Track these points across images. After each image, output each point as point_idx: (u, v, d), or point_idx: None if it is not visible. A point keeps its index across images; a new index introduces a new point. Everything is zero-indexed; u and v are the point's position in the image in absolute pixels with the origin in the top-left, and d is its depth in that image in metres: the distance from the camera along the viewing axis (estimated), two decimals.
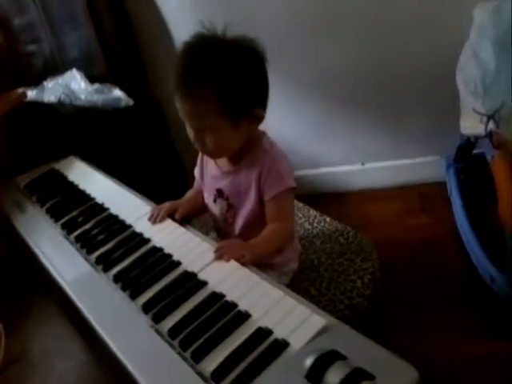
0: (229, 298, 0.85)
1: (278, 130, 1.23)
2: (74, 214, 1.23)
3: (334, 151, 2.09)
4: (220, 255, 0.95)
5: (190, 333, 0.79)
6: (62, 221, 1.22)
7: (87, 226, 1.16)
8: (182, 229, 1.07)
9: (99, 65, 1.88)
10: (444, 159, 1.95)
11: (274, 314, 0.78)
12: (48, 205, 1.31)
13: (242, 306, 0.82)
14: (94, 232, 1.13)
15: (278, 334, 0.74)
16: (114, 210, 1.20)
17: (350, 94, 1.96)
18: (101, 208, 1.23)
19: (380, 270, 1.20)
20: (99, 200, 1.27)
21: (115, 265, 1.00)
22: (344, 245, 1.28)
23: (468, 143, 1.77)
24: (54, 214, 1.25)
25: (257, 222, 1.09)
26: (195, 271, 0.93)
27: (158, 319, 0.84)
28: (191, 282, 0.90)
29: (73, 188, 1.36)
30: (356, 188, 2.10)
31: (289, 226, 1.11)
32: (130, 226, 1.13)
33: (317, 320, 0.75)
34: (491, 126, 1.46)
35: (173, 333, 0.80)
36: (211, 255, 0.96)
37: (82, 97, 1.80)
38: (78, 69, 1.86)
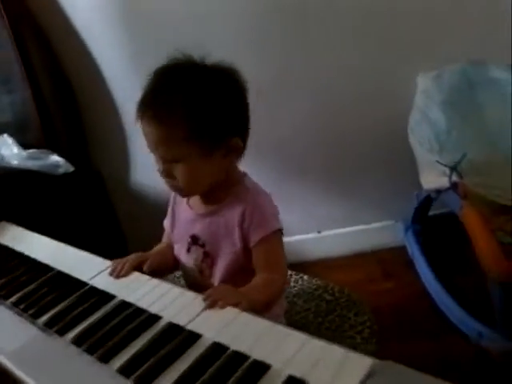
0: (235, 348, 0.67)
1: None
2: (10, 276, 0.99)
3: (289, 220, 1.97)
4: (212, 302, 0.78)
5: None
6: None
7: (29, 288, 0.93)
8: (155, 280, 0.88)
9: (34, 130, 1.72)
10: (401, 222, 1.93)
11: (301, 362, 0.62)
12: None
13: (256, 356, 0.64)
14: (40, 293, 0.90)
15: None
16: (63, 269, 0.98)
17: (304, 161, 1.92)
18: (45, 268, 1.00)
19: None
20: (43, 260, 1.04)
21: (73, 326, 0.78)
22: (331, 301, 1.14)
23: (424, 204, 1.78)
24: None
25: (238, 272, 0.95)
26: (182, 324, 0.74)
27: None
28: (180, 336, 0.71)
29: (6, 251, 1.12)
30: (313, 257, 2.00)
31: (282, 276, 0.95)
32: (86, 284, 0.92)
33: (360, 360, 0.59)
34: (454, 178, 1.46)
35: None
36: (199, 304, 0.78)
37: (15, 162, 1.60)
38: (11, 135, 1.68)
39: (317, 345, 0.64)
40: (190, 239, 0.99)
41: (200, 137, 0.86)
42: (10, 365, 0.72)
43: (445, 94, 1.63)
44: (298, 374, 0.59)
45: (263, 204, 0.94)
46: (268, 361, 0.63)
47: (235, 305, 0.77)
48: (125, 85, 1.78)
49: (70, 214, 1.69)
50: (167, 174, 0.89)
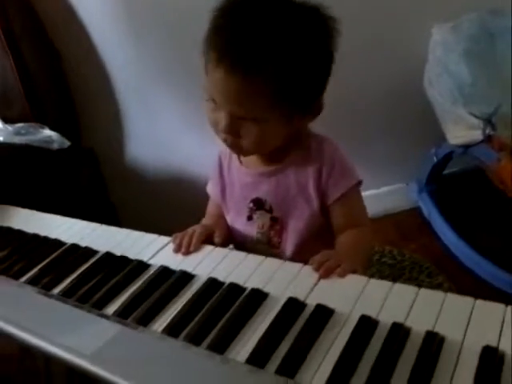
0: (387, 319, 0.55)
1: None
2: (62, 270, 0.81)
3: None
4: (328, 270, 0.66)
5: None
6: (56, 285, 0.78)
7: (93, 281, 0.75)
8: (240, 253, 0.75)
9: (18, 103, 1.49)
10: (412, 184, 1.86)
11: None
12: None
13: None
14: (96, 281, 0.74)
15: None
16: (114, 251, 0.82)
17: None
18: (88, 251, 0.84)
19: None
20: (80, 243, 0.87)
21: (184, 327, 0.62)
22: (394, 265, 1.07)
23: (443, 162, 1.71)
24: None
25: (313, 236, 0.84)
26: (302, 299, 0.62)
27: None
28: (306, 312, 0.59)
29: (34, 240, 0.93)
30: None
31: (369, 228, 0.85)
32: (147, 265, 0.77)
33: None
34: (488, 130, 1.40)
35: None
36: (309, 274, 0.66)
37: (0, 138, 1.39)
38: None
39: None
40: (251, 204, 0.86)
41: (287, 99, 0.73)
42: (95, 368, 0.57)
43: (465, 45, 1.55)
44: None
45: (342, 155, 0.82)
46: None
47: (354, 270, 0.66)
48: (117, 51, 1.59)
49: (61, 194, 1.50)
50: (231, 130, 0.75)
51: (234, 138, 0.76)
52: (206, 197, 1.80)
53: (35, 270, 0.81)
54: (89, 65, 1.60)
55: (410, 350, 0.51)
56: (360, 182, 0.83)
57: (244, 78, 0.69)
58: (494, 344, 0.50)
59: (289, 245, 0.85)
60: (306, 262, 0.69)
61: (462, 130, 1.47)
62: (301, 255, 0.80)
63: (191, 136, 1.72)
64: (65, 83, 1.60)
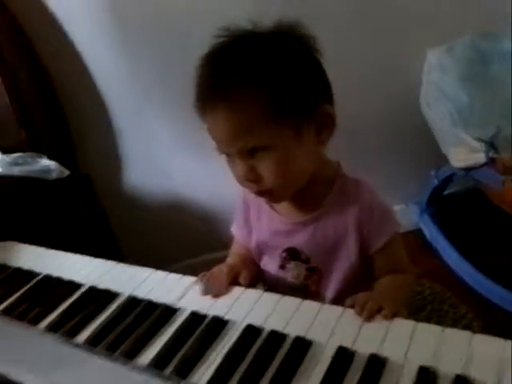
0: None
1: None
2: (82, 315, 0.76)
3: None
4: (371, 313, 0.63)
5: None
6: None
7: (120, 328, 0.71)
8: (274, 295, 0.72)
9: (12, 131, 1.44)
10: (412, 205, 1.86)
11: None
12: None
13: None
14: (123, 327, 0.71)
15: None
16: (136, 293, 0.78)
17: None
18: (111, 295, 0.80)
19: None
20: (96, 285, 0.83)
21: (227, 381, 0.58)
22: (414, 296, 1.03)
23: (443, 183, 1.72)
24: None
25: (354, 284, 0.80)
26: (347, 345, 0.59)
27: None
28: (356, 362, 0.56)
29: (47, 281, 0.88)
30: None
31: (413, 276, 0.82)
32: (175, 309, 0.73)
33: None
34: (491, 153, 1.40)
35: None
36: (350, 318, 0.64)
37: None
38: None
39: None
40: (284, 254, 0.82)
41: (286, 111, 0.68)
42: None
43: (460, 69, 1.58)
44: None
45: (380, 201, 0.78)
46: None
47: (396, 314, 0.63)
48: (113, 76, 1.57)
49: (59, 221, 1.46)
50: (249, 172, 0.71)
51: (257, 183, 0.72)
52: (208, 221, 1.79)
53: (54, 315, 0.76)
54: (83, 91, 1.57)
55: None
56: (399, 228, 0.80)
57: (234, 111, 0.67)
58: None
59: (328, 293, 0.82)
60: None
61: (464, 153, 1.48)
62: (340, 303, 0.74)
63: (189, 159, 1.70)
64: (59, 110, 1.56)
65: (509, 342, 0.55)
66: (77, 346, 0.69)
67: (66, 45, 1.51)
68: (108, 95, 1.60)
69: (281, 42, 0.71)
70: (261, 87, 0.67)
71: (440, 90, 1.59)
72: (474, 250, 1.63)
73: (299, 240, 0.80)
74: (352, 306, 0.66)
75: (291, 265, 0.82)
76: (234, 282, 0.77)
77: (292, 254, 0.81)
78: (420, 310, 0.98)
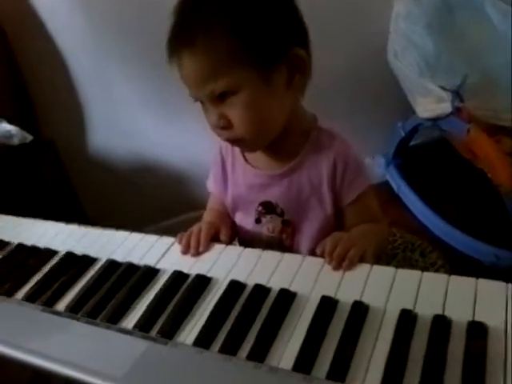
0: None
1: None
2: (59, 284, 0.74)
3: None
4: (338, 262, 0.65)
5: None
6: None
7: (102, 293, 0.70)
8: (255, 250, 0.72)
9: None
10: (378, 158, 1.89)
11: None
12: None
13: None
14: (106, 293, 0.70)
15: None
16: (115, 257, 0.77)
17: None
18: (90, 260, 0.78)
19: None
20: (80, 253, 0.81)
21: (214, 337, 0.59)
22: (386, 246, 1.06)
23: (409, 135, 1.75)
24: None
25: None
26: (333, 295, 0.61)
27: None
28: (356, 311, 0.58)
29: (21, 250, 0.85)
30: None
31: (385, 226, 0.84)
32: (156, 270, 0.73)
33: None
34: (456, 102, 1.43)
35: None
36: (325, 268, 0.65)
37: None
38: None
39: None
40: (260, 207, 0.82)
41: (253, 51, 0.66)
42: None
43: (428, 18, 1.57)
44: None
45: (354, 153, 0.78)
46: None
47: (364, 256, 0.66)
48: (74, 37, 1.49)
49: (23, 188, 1.42)
50: (219, 119, 0.69)
51: (228, 129, 0.70)
52: (175, 183, 1.77)
53: (31, 284, 0.75)
54: (43, 53, 1.49)
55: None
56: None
57: (201, 50, 0.65)
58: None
59: (302, 247, 0.82)
60: None
61: (431, 103, 1.50)
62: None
63: (155, 119, 1.66)
64: (18, 74, 1.48)
65: (481, 280, 0.58)
66: (57, 313, 0.68)
67: (27, 10, 1.42)
68: (69, 57, 1.53)
69: None
70: (226, 27, 0.65)
71: (408, 39, 1.58)
72: (438, 200, 1.67)
73: (274, 193, 0.80)
74: (323, 254, 0.67)
75: (266, 218, 0.82)
76: (213, 239, 0.77)
77: (267, 208, 0.81)
78: (392, 257, 1.01)
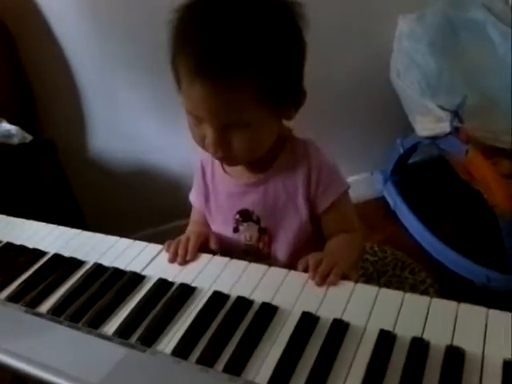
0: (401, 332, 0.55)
1: None
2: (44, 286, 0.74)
3: None
4: (322, 278, 0.65)
5: None
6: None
7: (85, 297, 0.70)
8: (241, 262, 0.72)
9: None
10: (377, 174, 1.89)
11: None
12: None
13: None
14: (102, 300, 0.69)
15: None
16: (102, 261, 0.78)
17: None
18: (77, 263, 0.78)
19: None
20: (66, 254, 0.82)
21: (193, 347, 0.59)
22: (377, 262, 1.07)
23: (408, 152, 1.75)
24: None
25: (306, 246, 0.81)
26: (313, 311, 0.61)
27: None
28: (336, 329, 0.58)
29: (9, 249, 0.85)
30: None
31: (361, 234, 0.84)
32: (142, 276, 0.73)
33: None
34: (455, 122, 1.43)
35: None
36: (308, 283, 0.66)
37: None
38: None
39: None
40: (237, 216, 0.83)
41: (273, 95, 0.69)
42: None
43: (430, 37, 1.59)
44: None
45: (328, 160, 0.80)
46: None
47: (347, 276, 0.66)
48: (77, 38, 1.51)
49: (22, 188, 1.42)
50: (221, 143, 0.70)
51: (225, 151, 0.72)
52: (173, 189, 1.78)
53: (16, 284, 0.75)
54: (46, 53, 1.51)
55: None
56: (348, 188, 0.82)
57: (227, 86, 0.65)
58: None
59: (279, 255, 0.83)
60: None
61: (430, 122, 1.50)
62: (292, 265, 0.76)
63: (156, 123, 1.67)
64: (21, 73, 1.49)
65: (462, 304, 0.58)
66: (40, 315, 0.68)
67: (32, 11, 1.44)
68: (72, 58, 1.54)
69: (273, 16, 0.68)
70: (254, 72, 0.66)
71: (410, 58, 1.60)
72: (434, 218, 1.68)
73: (250, 200, 0.81)
74: (306, 270, 0.67)
75: (244, 226, 0.83)
76: (201, 249, 0.77)
77: (244, 215, 0.82)
78: (382, 274, 1.01)
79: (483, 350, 0.53)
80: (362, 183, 1.92)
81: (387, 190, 1.85)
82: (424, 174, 1.82)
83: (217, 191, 0.86)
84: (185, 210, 1.66)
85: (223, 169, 0.85)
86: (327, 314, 0.60)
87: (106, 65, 1.56)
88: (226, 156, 0.74)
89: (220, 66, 0.64)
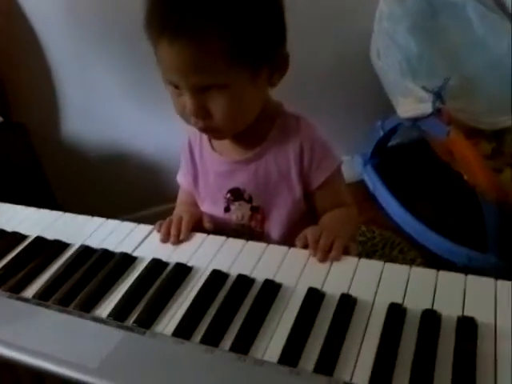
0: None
1: None
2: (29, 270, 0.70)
3: None
4: (324, 254, 0.63)
5: None
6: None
7: (75, 280, 0.66)
8: (237, 241, 0.70)
9: None
10: (359, 157, 1.89)
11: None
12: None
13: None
14: (93, 283, 0.65)
15: None
16: (89, 243, 0.73)
17: None
18: (62, 245, 0.74)
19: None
20: (48, 236, 0.77)
21: (194, 328, 0.56)
22: (366, 242, 1.06)
23: (388, 135, 1.75)
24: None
25: (299, 223, 0.78)
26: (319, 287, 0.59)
27: None
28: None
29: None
30: None
31: (355, 209, 0.83)
32: (134, 257, 0.69)
33: None
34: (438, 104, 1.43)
35: None
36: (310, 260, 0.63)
37: None
38: None
39: None
40: (228, 195, 0.80)
41: (246, 53, 0.66)
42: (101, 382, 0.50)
43: (411, 19, 1.58)
44: None
45: (320, 136, 0.78)
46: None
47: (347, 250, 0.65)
48: (50, 19, 1.43)
49: None
50: (199, 109, 0.67)
51: (206, 119, 0.69)
52: (150, 174, 1.73)
53: None
54: (17, 34, 1.43)
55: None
56: (341, 163, 0.80)
57: (194, 41, 0.62)
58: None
59: (272, 234, 0.81)
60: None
61: (411, 103, 1.50)
62: (285, 243, 0.74)
63: (130, 110, 1.62)
64: None
65: (470, 276, 0.58)
66: (25, 300, 0.63)
67: None
68: (45, 40, 1.47)
69: None
70: (225, 26, 0.63)
71: (390, 39, 1.59)
72: (414, 201, 1.68)
73: (241, 179, 0.78)
74: (305, 247, 0.66)
75: (235, 206, 0.80)
76: (193, 229, 0.74)
77: (235, 195, 0.79)
78: (372, 254, 1.00)
79: (495, 319, 0.52)
80: (343, 166, 1.91)
81: (367, 173, 1.85)
82: (404, 157, 1.83)
83: (206, 170, 0.83)
84: (163, 195, 1.63)
85: (211, 146, 0.81)
86: (333, 289, 0.58)
87: (79, 46, 1.50)
88: (208, 126, 0.70)
89: (184, 18, 0.62)
